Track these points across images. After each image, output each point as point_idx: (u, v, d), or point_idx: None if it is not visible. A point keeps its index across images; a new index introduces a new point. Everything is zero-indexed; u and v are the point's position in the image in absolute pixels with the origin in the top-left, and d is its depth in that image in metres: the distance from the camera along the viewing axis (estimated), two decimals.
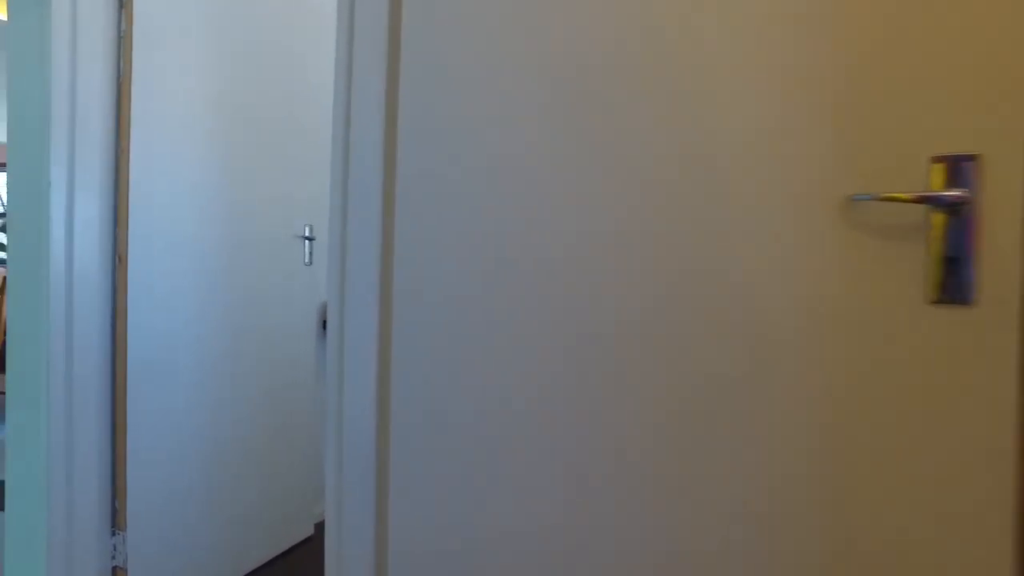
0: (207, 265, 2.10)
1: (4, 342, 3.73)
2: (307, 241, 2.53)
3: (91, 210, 1.78)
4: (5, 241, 5.29)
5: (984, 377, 0.75)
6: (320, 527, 2.71)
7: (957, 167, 0.76)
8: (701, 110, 0.92)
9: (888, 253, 0.80)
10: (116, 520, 1.87)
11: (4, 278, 3.84)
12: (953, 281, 0.76)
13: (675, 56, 0.95)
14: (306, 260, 2.53)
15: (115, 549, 1.86)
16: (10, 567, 1.77)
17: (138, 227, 1.88)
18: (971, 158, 0.75)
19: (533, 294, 1.07)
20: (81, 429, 1.75)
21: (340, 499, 1.24)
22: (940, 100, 0.77)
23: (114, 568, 1.86)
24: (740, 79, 0.89)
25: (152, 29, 1.88)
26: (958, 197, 0.75)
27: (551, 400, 1.04)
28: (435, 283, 1.17)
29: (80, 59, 1.74)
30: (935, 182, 0.77)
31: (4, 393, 2.99)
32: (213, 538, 2.13)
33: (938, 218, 0.78)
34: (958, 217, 0.76)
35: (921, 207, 0.79)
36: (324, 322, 2.76)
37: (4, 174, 5.83)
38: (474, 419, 1.11)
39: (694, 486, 0.93)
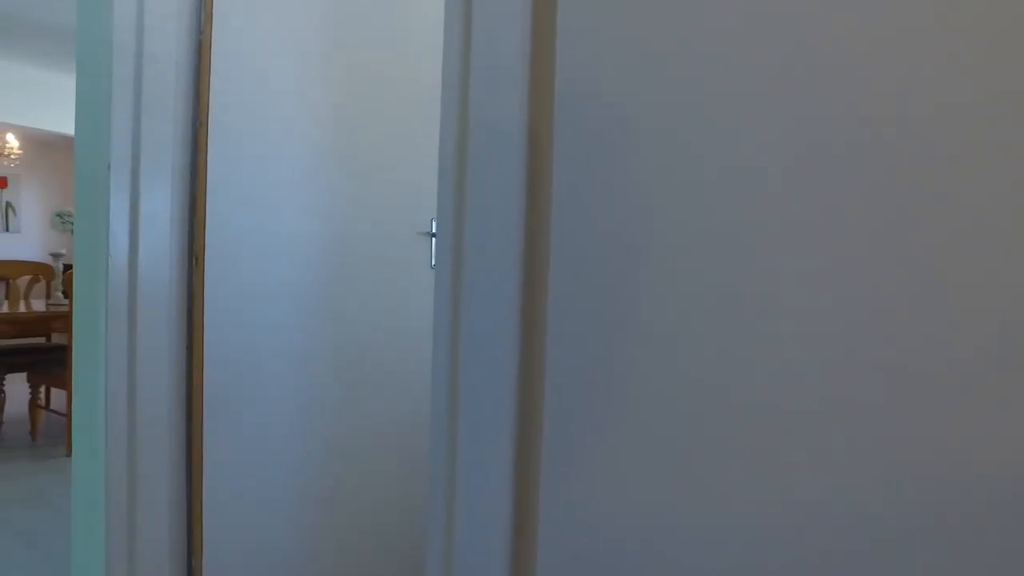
0: (310, 270, 1.67)
1: None
2: (432, 239, 2.04)
3: (160, 198, 1.39)
4: None
5: None
6: None
7: None
8: None
9: None
10: None
11: None
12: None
13: None
14: (432, 262, 2.05)
15: None
16: None
17: (220, 220, 1.47)
18: None
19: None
20: (147, 478, 1.37)
21: None
22: None
23: None
24: None
25: None
26: None
27: None
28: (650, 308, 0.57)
29: (149, 10, 1.35)
30: None
31: None
32: None
33: None
34: None
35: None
36: None
37: None
38: None
39: None
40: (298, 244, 1.65)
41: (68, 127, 1.95)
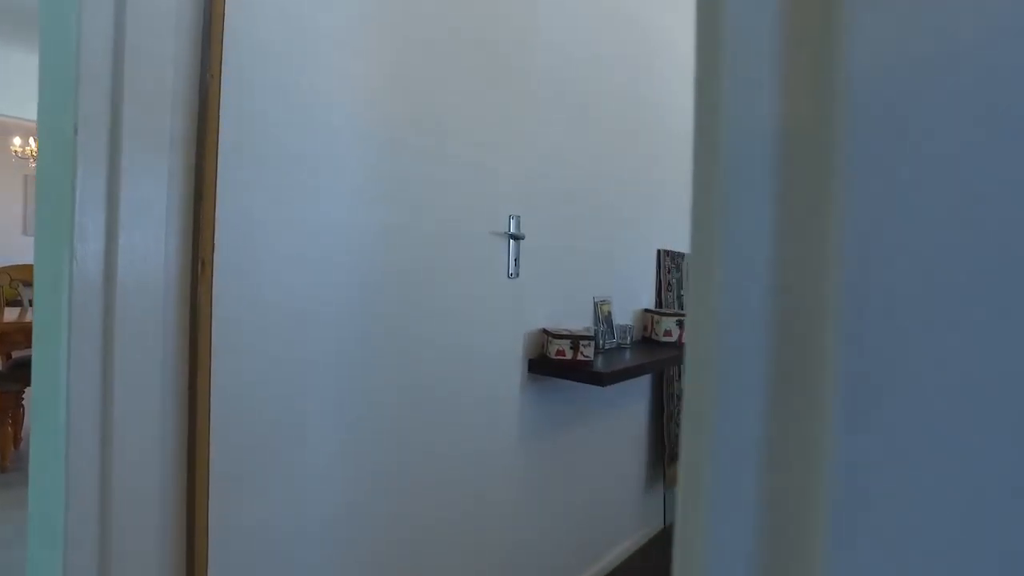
0: (353, 279, 1.24)
1: None
2: (512, 241, 1.60)
3: (152, 177, 0.97)
4: None
5: None
6: None
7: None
8: None
9: None
10: None
11: None
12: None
13: None
14: (510, 271, 1.60)
15: None
16: None
17: (237, 210, 1.05)
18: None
19: None
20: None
21: None
22: None
23: None
24: None
25: None
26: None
27: None
28: None
29: None
30: None
31: None
32: None
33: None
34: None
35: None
36: (532, 361, 1.83)
37: None
38: None
39: None
40: (344, 245, 1.22)
41: None
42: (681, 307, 2.75)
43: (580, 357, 1.80)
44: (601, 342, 2.10)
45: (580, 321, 2.10)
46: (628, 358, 2.06)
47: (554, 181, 1.90)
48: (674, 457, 2.65)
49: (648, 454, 2.63)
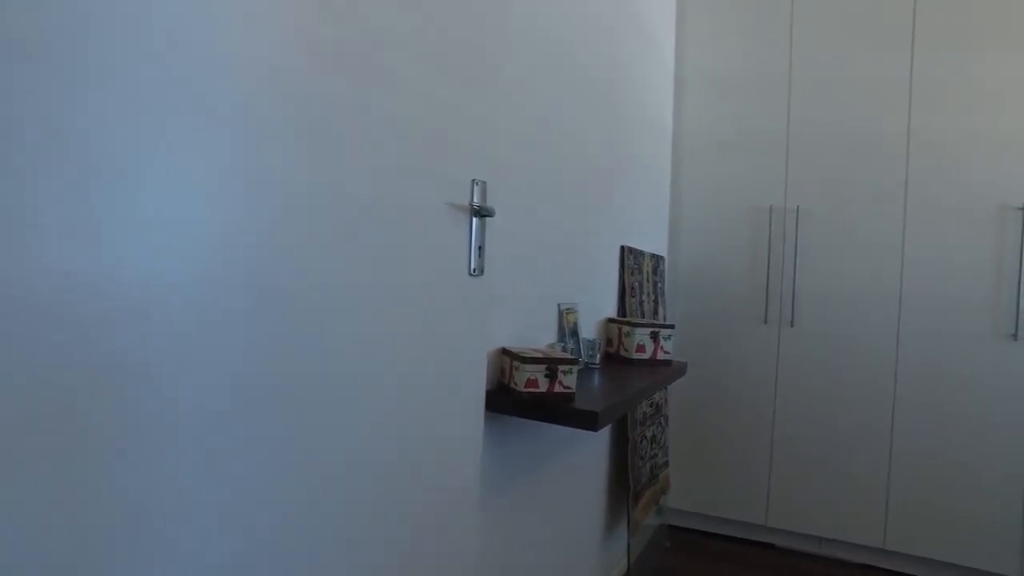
0: (249, 267, 0.66)
1: None
2: (476, 219, 1.07)
3: None
4: None
5: None
6: None
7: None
8: None
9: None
10: None
11: None
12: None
13: None
14: (472, 265, 1.07)
15: None
16: None
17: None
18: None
19: None
20: None
21: None
22: None
23: None
24: None
25: None
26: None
27: None
28: None
29: None
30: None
31: None
32: None
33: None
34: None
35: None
36: (491, 394, 1.31)
37: None
38: None
39: None
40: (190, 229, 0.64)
41: None
42: (644, 315, 2.32)
43: (559, 388, 1.30)
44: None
45: (543, 335, 1.60)
46: (601, 384, 1.58)
47: (528, 141, 1.40)
48: (638, 496, 2.21)
49: (609, 494, 2.17)
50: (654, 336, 1.91)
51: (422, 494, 1.01)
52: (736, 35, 2.66)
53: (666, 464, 2.60)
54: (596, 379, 1.64)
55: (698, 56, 2.72)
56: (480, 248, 1.08)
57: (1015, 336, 2.26)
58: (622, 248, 2.15)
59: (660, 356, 1.91)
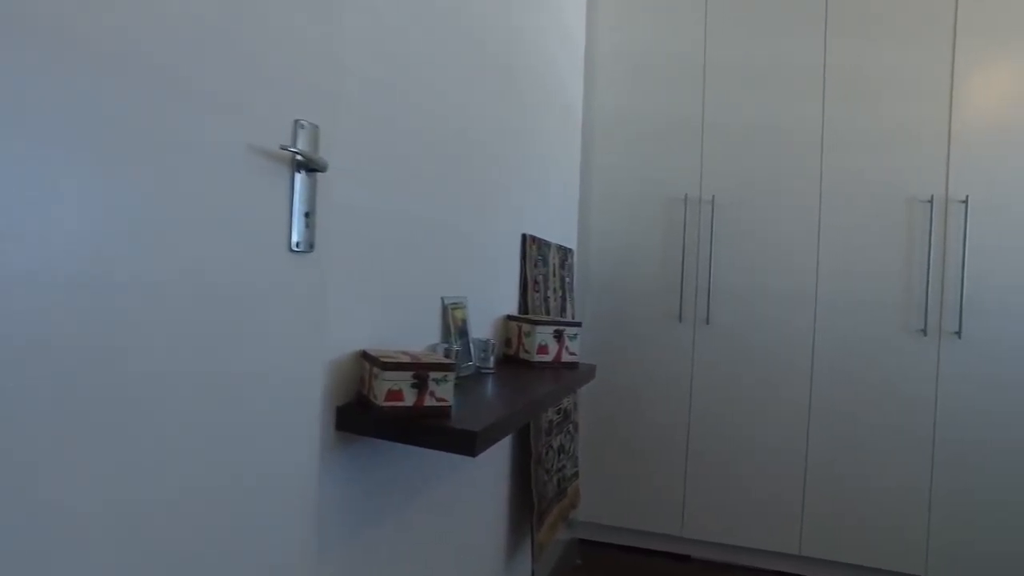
0: None
1: None
2: (300, 173, 0.78)
3: None
4: None
5: None
6: None
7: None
8: None
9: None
10: None
11: None
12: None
13: None
14: (295, 239, 0.78)
15: None
16: None
17: None
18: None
19: None
20: None
21: None
22: None
23: None
24: None
25: None
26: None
27: None
28: None
29: None
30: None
31: None
32: None
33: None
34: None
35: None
36: (343, 411, 1.03)
37: None
38: None
39: None
40: None
41: None
42: (550, 312, 2.09)
43: (431, 402, 1.03)
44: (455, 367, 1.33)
45: (422, 335, 1.32)
46: (494, 393, 1.33)
47: (399, 96, 1.12)
48: (544, 515, 1.97)
49: (511, 514, 1.92)
50: (558, 336, 1.67)
51: (226, 557, 0.71)
52: (650, 17, 2.49)
53: (576, 475, 2.39)
54: (488, 387, 1.38)
55: (610, 37, 2.53)
56: (307, 215, 0.79)
57: (924, 332, 2.19)
58: (524, 237, 1.91)
59: (565, 358, 1.68)
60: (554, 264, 2.17)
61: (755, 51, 2.35)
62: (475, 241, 1.57)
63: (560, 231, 2.33)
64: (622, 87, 2.51)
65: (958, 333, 2.15)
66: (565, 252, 2.30)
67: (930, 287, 2.17)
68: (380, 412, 1.00)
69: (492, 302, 1.71)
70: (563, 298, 2.26)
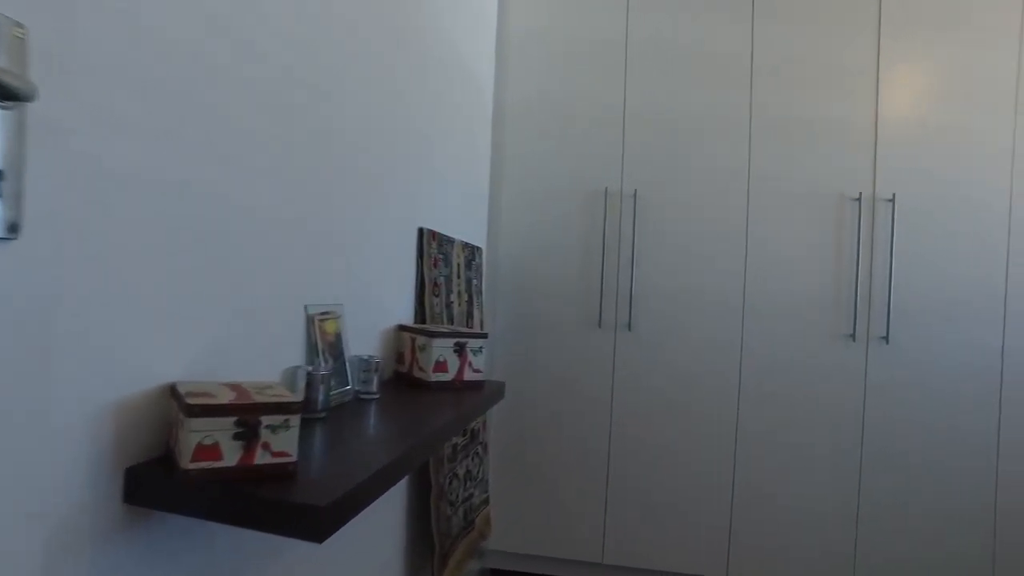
0: None
1: None
2: None
3: None
4: None
5: None
6: None
7: None
8: None
9: None
10: None
11: None
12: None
13: None
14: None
15: None
16: None
17: None
18: None
19: None
20: None
21: None
22: None
23: None
24: None
25: None
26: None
27: None
28: None
29: None
30: None
31: None
32: None
33: None
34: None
35: None
36: (137, 475, 0.71)
37: None
38: None
39: None
40: None
41: None
42: (454, 319, 1.81)
43: (264, 459, 0.73)
44: (320, 397, 1.03)
45: (277, 357, 1.01)
46: (374, 430, 1.03)
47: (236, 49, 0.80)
48: (447, 555, 1.69)
49: (408, 559, 1.63)
50: (459, 349, 1.39)
51: None
52: None
53: (486, 501, 2.12)
54: (368, 420, 1.09)
55: (525, 17, 2.28)
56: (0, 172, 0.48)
57: (853, 337, 2.07)
58: (421, 232, 1.62)
59: (468, 376, 1.41)
60: (458, 264, 1.89)
61: (680, 36, 2.17)
62: (354, 235, 1.27)
63: (466, 226, 2.05)
64: (538, 71, 2.27)
65: (886, 338, 2.04)
66: (472, 250, 2.03)
67: (859, 290, 2.06)
68: (185, 478, 0.69)
69: (380, 309, 1.41)
70: (469, 302, 1.99)
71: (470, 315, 1.99)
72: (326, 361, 1.12)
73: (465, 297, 1.95)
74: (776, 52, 2.11)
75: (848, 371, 2.07)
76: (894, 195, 2.04)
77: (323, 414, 1.03)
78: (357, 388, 1.21)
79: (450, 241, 1.82)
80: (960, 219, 2.04)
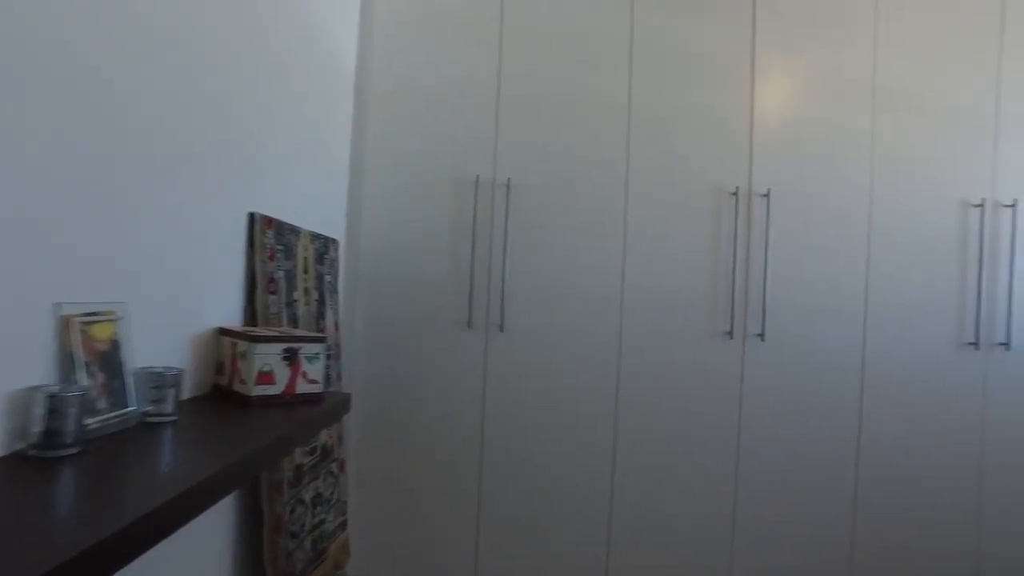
0: None
1: None
2: None
3: None
4: None
5: None
6: None
7: None
8: None
9: None
10: None
11: None
12: None
13: None
14: None
15: None
16: None
17: None
18: None
19: None
20: None
21: None
22: None
23: None
24: None
25: None
26: None
27: None
28: None
29: None
30: None
31: None
32: None
33: None
34: None
35: None
36: None
37: None
38: None
39: None
40: None
41: None
42: (298, 321, 1.56)
43: None
44: (71, 428, 0.77)
45: (10, 374, 0.74)
46: (153, 465, 0.79)
47: None
48: None
49: None
50: (290, 357, 1.16)
51: None
52: None
53: (343, 526, 1.88)
54: (150, 452, 0.84)
55: None
56: None
57: (730, 335, 2.04)
58: (252, 217, 1.36)
59: (302, 388, 1.18)
60: (306, 258, 1.65)
61: (559, 16, 2.04)
62: (150, 218, 1.01)
63: (319, 215, 1.80)
64: (405, 47, 2.06)
65: (761, 335, 2.03)
66: (326, 243, 1.78)
67: (736, 286, 2.03)
68: None
69: (191, 310, 1.15)
70: (321, 302, 1.74)
71: (321, 316, 1.74)
72: (91, 377, 0.85)
73: (315, 296, 1.71)
74: (656, 40, 2.04)
75: (726, 370, 2.04)
76: (769, 190, 2.03)
77: (74, 450, 0.77)
78: (145, 409, 0.95)
79: (294, 231, 1.57)
80: (828, 216, 2.07)
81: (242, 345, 1.14)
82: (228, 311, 1.29)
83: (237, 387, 1.15)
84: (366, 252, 2.04)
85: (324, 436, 1.75)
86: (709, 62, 2.04)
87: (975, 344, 2.09)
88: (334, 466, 1.81)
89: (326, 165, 1.85)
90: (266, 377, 1.13)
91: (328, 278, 1.81)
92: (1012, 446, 2.09)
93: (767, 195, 2.03)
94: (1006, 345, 2.09)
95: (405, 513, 2.05)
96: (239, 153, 1.30)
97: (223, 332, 1.22)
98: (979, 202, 2.10)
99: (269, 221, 1.43)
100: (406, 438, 2.05)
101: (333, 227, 1.93)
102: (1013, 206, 2.09)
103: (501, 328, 2.01)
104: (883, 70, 2.08)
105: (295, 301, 1.56)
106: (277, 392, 1.14)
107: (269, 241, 1.43)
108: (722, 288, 2.03)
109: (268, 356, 1.13)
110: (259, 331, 1.20)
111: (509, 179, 2.02)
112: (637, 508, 2.04)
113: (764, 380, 2.05)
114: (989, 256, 2.09)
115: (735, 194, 2.03)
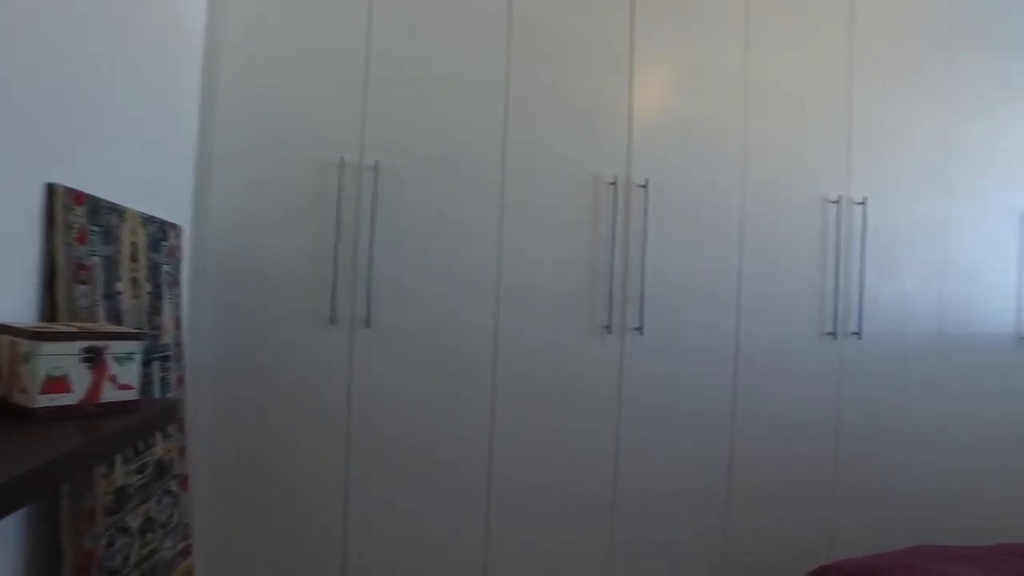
0: None
1: None
2: None
3: None
4: None
5: None
6: None
7: None
8: None
9: None
10: None
11: None
12: None
13: None
14: None
15: None
16: None
17: None
18: None
19: None
20: None
21: None
22: None
23: None
24: None
25: None
26: None
27: None
28: None
29: None
30: None
31: None
32: None
33: None
34: None
35: None
36: None
37: None
38: None
39: None
40: None
41: None
42: (122, 318, 1.32)
43: None
44: None
45: None
46: None
47: None
48: None
49: None
50: (92, 358, 0.95)
51: None
52: None
53: (186, 552, 1.64)
54: None
55: None
56: None
57: (609, 329, 2.01)
58: (51, 189, 1.12)
59: (109, 396, 0.97)
60: (134, 243, 1.41)
61: None
62: None
63: (154, 196, 1.56)
64: (263, 12, 1.85)
65: (640, 329, 2.01)
66: (163, 227, 1.55)
67: (614, 279, 2.00)
68: None
69: None
70: (156, 295, 1.51)
71: (156, 312, 1.51)
72: None
73: (147, 288, 1.47)
74: (537, 22, 1.96)
75: (605, 365, 2.01)
76: (647, 181, 2.02)
77: None
78: None
79: (117, 210, 1.33)
80: (702, 208, 2.09)
81: (24, 344, 0.92)
82: (14, 304, 1.05)
83: (16, 398, 0.92)
84: (216, 240, 1.81)
85: (160, 450, 1.51)
86: (590, 48, 2.00)
87: (833, 334, 2.20)
88: (173, 484, 1.57)
89: (166, 139, 1.61)
90: (57, 384, 0.92)
91: (167, 268, 1.57)
92: (863, 422, 2.25)
93: (645, 186, 2.01)
94: (858, 335, 2.22)
95: (266, 529, 1.84)
96: (39, 111, 1.07)
97: (2, 330, 0.98)
98: (836, 199, 2.21)
99: (78, 196, 1.19)
100: (264, 447, 1.84)
101: (176, 211, 1.68)
102: (864, 203, 2.22)
103: (367, 324, 1.85)
104: (754, 66, 2.13)
105: (118, 293, 1.32)
106: (73, 402, 0.93)
107: (78, 220, 1.19)
108: (601, 280, 2.00)
109: (60, 358, 0.92)
110: (49, 327, 0.98)
111: (377, 162, 1.86)
112: (516, 511, 1.96)
113: (643, 373, 2.04)
114: (844, 251, 2.22)
115: (614, 184, 2.00)
